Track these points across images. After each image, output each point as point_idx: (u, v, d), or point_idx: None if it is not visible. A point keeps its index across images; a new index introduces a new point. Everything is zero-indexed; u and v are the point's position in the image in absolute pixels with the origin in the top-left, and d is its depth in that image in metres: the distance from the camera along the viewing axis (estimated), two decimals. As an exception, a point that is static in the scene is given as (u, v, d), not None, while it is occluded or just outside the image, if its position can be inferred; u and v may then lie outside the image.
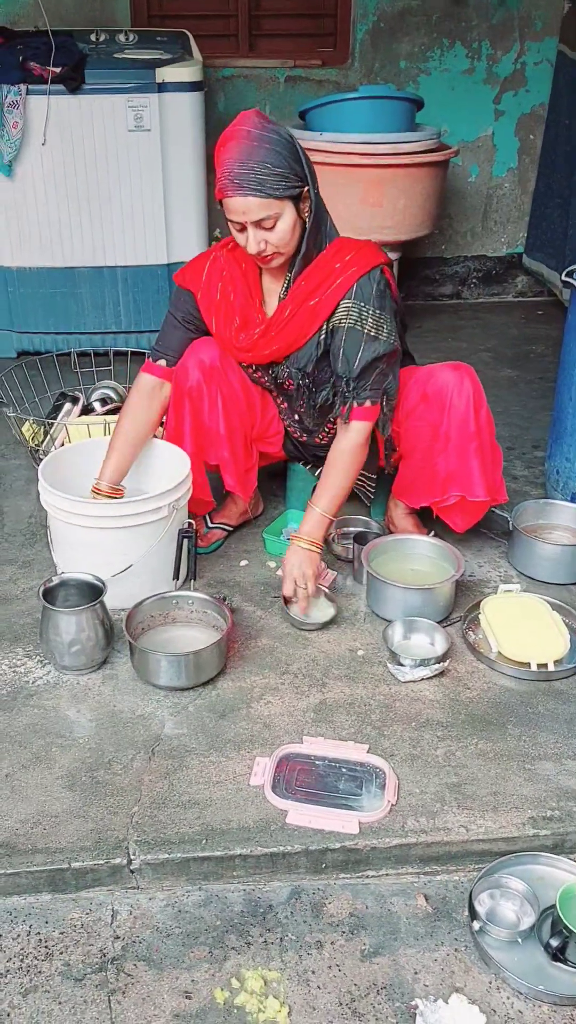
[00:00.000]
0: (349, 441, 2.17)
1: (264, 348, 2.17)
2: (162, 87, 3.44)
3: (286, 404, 2.37)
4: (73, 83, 3.37)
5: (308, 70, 4.21)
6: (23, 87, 3.35)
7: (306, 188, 1.97)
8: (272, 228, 1.96)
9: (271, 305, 2.19)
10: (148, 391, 2.30)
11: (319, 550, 2.19)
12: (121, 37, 3.61)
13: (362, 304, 2.07)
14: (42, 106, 3.38)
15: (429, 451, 2.25)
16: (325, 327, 2.12)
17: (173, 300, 2.29)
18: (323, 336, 2.13)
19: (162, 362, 2.29)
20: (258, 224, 1.94)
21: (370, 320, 2.08)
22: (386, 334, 2.10)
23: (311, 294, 2.09)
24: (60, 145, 3.47)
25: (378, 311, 2.08)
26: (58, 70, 3.35)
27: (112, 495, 2.26)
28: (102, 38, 3.59)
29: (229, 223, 2.00)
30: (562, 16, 4.11)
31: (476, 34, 4.24)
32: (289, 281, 2.12)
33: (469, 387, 2.19)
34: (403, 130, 3.73)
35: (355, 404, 2.14)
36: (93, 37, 3.57)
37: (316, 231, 2.07)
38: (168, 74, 3.44)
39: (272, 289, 2.18)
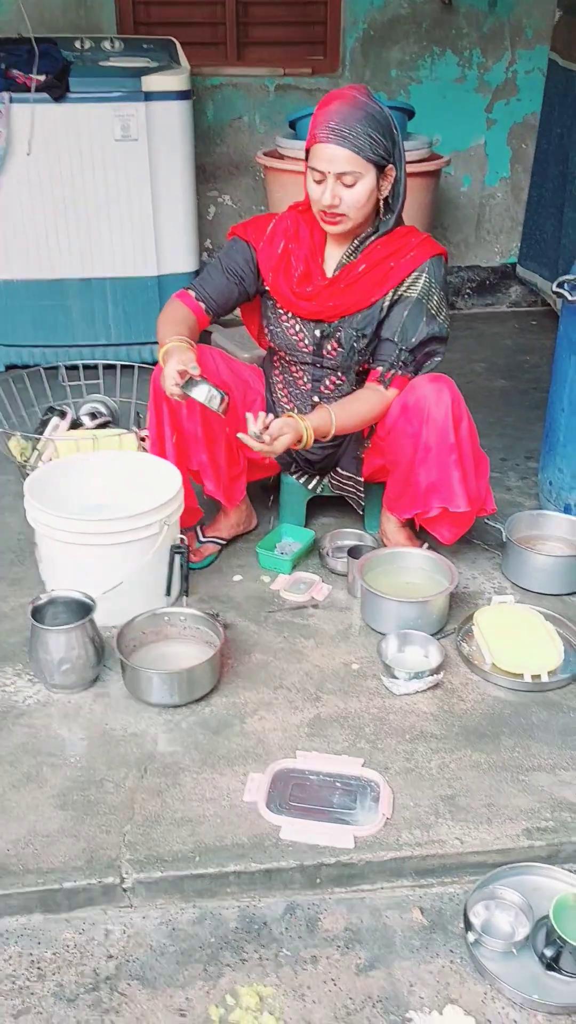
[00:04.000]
0: (381, 397, 2.28)
1: (328, 300, 2.27)
2: (149, 96, 3.47)
3: (309, 383, 2.42)
4: (57, 91, 3.39)
5: (298, 79, 4.27)
6: (6, 95, 3.37)
7: (390, 166, 2.13)
8: (351, 186, 2.09)
9: (330, 268, 2.30)
10: (181, 306, 2.34)
11: (307, 439, 2.16)
12: (107, 44, 3.65)
13: (431, 281, 2.24)
14: (27, 115, 3.41)
15: (411, 462, 2.30)
16: (392, 294, 2.24)
17: (226, 249, 2.39)
18: (387, 303, 2.25)
19: (195, 297, 2.36)
20: (339, 178, 2.08)
21: (435, 299, 2.25)
22: (443, 318, 2.27)
23: (388, 258, 2.23)
24: (46, 155, 3.49)
25: (442, 293, 2.26)
26: (42, 78, 3.37)
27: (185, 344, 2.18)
28: (87, 45, 3.62)
29: (310, 173, 2.13)
30: (553, 25, 4.16)
31: (467, 42, 4.30)
32: (356, 245, 2.24)
33: (447, 399, 2.23)
34: (394, 139, 3.78)
35: (399, 373, 2.27)
36: (78, 44, 3.60)
37: (395, 210, 2.23)
38: (155, 83, 3.47)
39: (334, 255, 2.30)
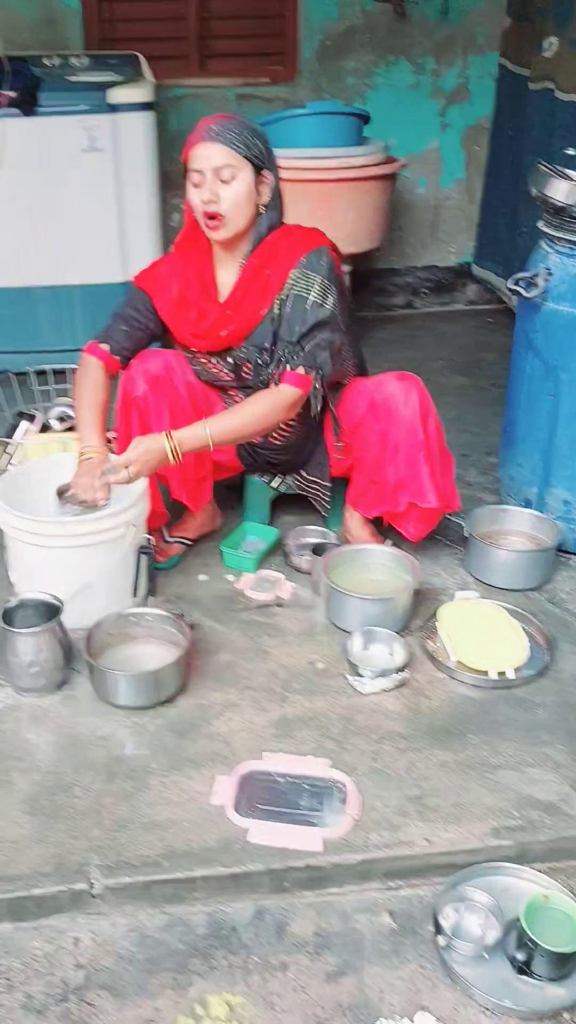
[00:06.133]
0: (272, 398, 2.11)
1: (221, 328, 2.16)
2: (114, 108, 3.40)
3: (243, 399, 2.30)
4: (27, 106, 3.33)
5: (257, 88, 4.18)
6: (-23, 112, 3.29)
7: (265, 170, 2.04)
8: (228, 182, 2.00)
9: (225, 296, 2.19)
10: (95, 367, 2.25)
11: (176, 460, 2.05)
12: (74, 60, 3.57)
13: (309, 272, 2.09)
14: (-4, 129, 3.32)
15: (379, 460, 2.21)
16: (277, 302, 2.11)
17: (126, 296, 2.29)
18: (276, 311, 2.12)
19: (105, 347, 2.25)
20: (216, 174, 1.99)
21: (316, 287, 2.08)
22: (331, 304, 2.10)
23: (264, 267, 2.10)
24: (15, 167, 3.40)
25: (325, 280, 2.09)
26: (12, 94, 3.30)
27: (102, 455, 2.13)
28: (55, 62, 3.54)
29: (188, 179, 2.04)
30: (503, 31, 4.11)
31: (420, 50, 4.22)
32: (240, 264, 2.14)
33: (416, 396, 2.15)
34: (351, 144, 3.69)
35: (287, 368, 2.10)
36: (47, 61, 3.53)
37: (271, 219, 2.11)
38: (120, 95, 3.40)
39: (227, 281, 2.18)
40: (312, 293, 2.07)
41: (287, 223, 2.18)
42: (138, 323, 2.26)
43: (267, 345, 2.15)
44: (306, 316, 2.08)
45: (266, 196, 2.07)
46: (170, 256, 2.26)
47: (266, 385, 2.19)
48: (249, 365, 2.22)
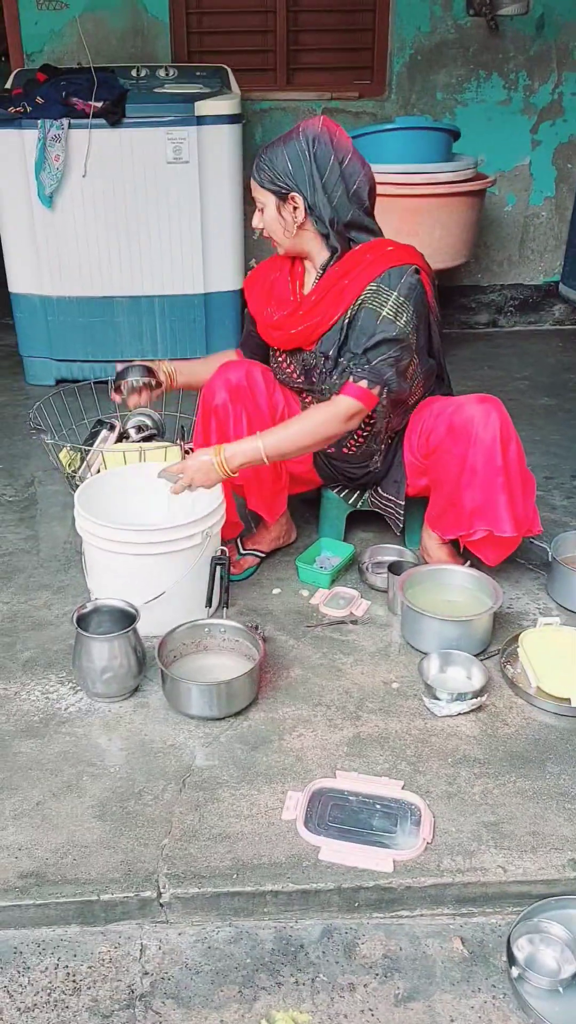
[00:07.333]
0: (328, 409, 2.14)
1: (293, 326, 2.22)
2: (201, 120, 3.47)
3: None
4: (114, 117, 3.42)
5: (345, 102, 4.23)
6: (65, 121, 3.40)
7: (292, 194, 2.08)
8: (262, 211, 2.16)
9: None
10: (228, 354, 2.51)
11: (226, 473, 2.09)
12: (161, 72, 3.66)
13: (387, 288, 2.11)
14: (83, 139, 3.43)
15: (457, 484, 2.21)
16: (350, 310, 2.14)
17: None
18: (347, 320, 2.15)
19: (248, 358, 2.46)
20: (256, 202, 2.16)
21: (391, 304, 2.10)
22: (403, 322, 2.10)
23: (343, 276, 2.15)
24: (100, 177, 3.51)
25: (402, 298, 2.10)
26: (99, 105, 3.40)
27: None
28: (143, 73, 3.63)
29: None
30: (600, 47, 4.10)
31: (513, 65, 4.23)
32: (319, 273, 2.20)
33: (496, 420, 2.14)
34: (439, 160, 3.72)
35: (351, 379, 2.13)
36: (134, 73, 3.62)
37: (326, 236, 2.13)
38: (207, 107, 3.47)
39: (311, 284, 2.25)
40: (386, 308, 2.09)
41: (385, 238, 2.21)
42: (253, 323, 2.40)
43: (331, 353, 2.19)
44: (375, 330, 2.09)
45: (297, 216, 2.09)
46: (270, 258, 2.37)
47: (331, 393, 2.21)
48: (317, 370, 2.26)
